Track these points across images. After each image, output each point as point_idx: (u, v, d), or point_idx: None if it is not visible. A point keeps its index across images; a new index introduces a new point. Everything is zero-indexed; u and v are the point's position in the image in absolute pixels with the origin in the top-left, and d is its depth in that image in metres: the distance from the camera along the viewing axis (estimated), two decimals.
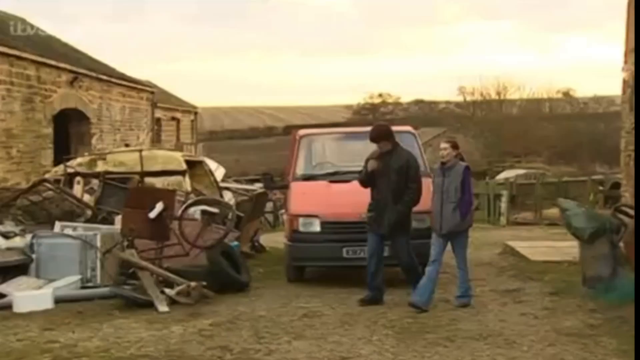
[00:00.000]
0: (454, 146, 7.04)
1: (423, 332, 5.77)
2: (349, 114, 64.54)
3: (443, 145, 7.05)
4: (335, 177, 8.94)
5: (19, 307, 7.12)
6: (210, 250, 8.12)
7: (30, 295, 7.29)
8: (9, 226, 9.62)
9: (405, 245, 7.21)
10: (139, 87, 22.16)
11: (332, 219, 8.35)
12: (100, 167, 10.95)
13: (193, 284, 7.41)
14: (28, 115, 14.47)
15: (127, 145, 15.79)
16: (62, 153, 16.65)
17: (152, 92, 23.43)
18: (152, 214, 8.23)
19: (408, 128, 10.01)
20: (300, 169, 9.19)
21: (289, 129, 72.59)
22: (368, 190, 8.71)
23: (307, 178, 9.03)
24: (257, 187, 14.01)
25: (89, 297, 7.62)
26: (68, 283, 7.75)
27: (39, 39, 18.14)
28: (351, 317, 6.55)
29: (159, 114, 24.49)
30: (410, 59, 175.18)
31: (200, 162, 11.74)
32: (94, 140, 18.39)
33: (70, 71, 16.49)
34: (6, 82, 13.49)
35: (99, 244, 8.09)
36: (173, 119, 26.20)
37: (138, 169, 10.67)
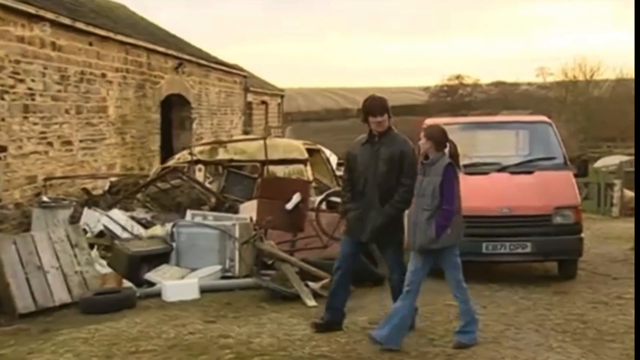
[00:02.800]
0: (433, 137, 5.36)
1: (602, 339, 5.49)
2: (426, 96, 63.53)
3: (421, 135, 5.49)
4: (470, 169, 8.68)
5: (168, 296, 7.24)
6: None
7: (179, 285, 7.40)
8: (140, 213, 9.86)
9: (399, 257, 5.77)
10: (233, 71, 22.36)
11: (470, 213, 8.06)
12: (221, 155, 11.05)
13: None
14: (140, 101, 14.78)
15: (246, 133, 15.88)
16: (165, 138, 17.02)
17: (245, 77, 23.61)
18: (290, 205, 8.22)
19: (543, 118, 9.61)
20: None
21: None
22: (507, 183, 8.43)
23: None
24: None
25: (231, 288, 7.68)
26: (211, 273, 7.83)
27: (141, 26, 18.50)
28: (509, 318, 6.33)
29: (249, 97, 24.67)
30: (491, 39, 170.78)
31: (318, 151, 11.67)
32: (194, 125, 18.69)
33: (176, 57, 16.75)
34: (122, 69, 13.80)
35: (237, 234, 8.12)
36: (263, 102, 26.37)
37: (259, 157, 10.70)
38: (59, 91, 11.40)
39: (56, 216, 10.08)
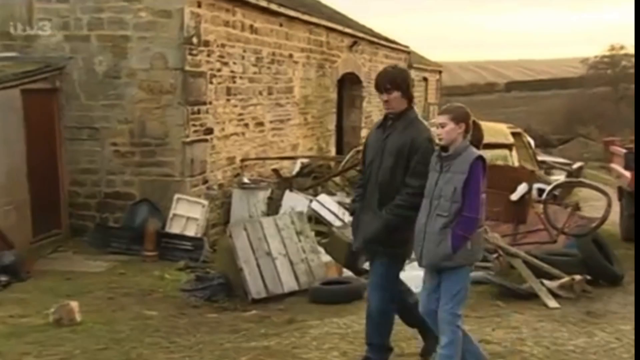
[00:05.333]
0: (464, 120, 4.00)
1: None
2: (583, 69, 59.40)
3: (440, 118, 4.07)
4: None
5: None
6: (582, 239, 7.41)
7: (404, 277, 7.13)
8: (342, 198, 9.77)
9: (385, 276, 4.38)
10: (399, 47, 21.93)
11: None
12: None
13: (577, 277, 6.76)
14: (320, 81, 14.78)
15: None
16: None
17: (409, 53, 23.10)
18: (515, 196, 7.73)
19: None
20: None
21: (512, 86, 69.31)
22: None
23: None
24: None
25: None
26: None
27: (312, 5, 18.47)
28: None
29: (412, 74, 24.10)
30: None
31: (519, 134, 10.98)
32: (364, 104, 18.52)
33: (351, 35, 16.59)
34: (306, 49, 13.82)
35: None
36: (424, 79, 25.77)
37: None
38: (255, 73, 11.57)
39: (256, 197, 10.29)
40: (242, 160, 11.27)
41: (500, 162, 9.28)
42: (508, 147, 9.90)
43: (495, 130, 10.25)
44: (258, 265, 6.99)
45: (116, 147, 9.62)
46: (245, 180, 10.65)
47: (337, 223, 8.50)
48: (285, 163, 12.63)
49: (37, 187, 9.17)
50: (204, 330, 5.80)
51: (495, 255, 7.49)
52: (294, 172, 11.71)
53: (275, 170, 11.73)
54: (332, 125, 15.84)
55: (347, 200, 9.58)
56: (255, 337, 5.48)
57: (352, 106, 18.29)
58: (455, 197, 3.90)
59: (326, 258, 7.59)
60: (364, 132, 18.49)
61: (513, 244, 7.89)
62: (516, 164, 9.78)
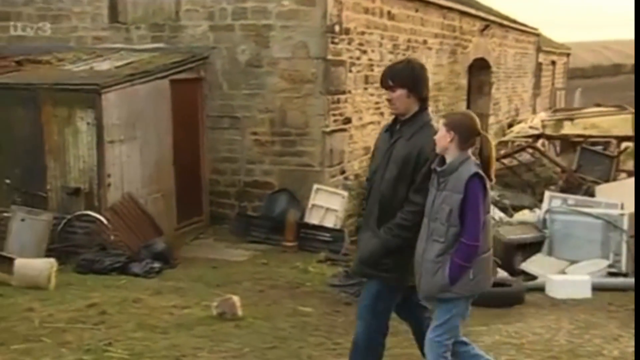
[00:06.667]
0: (458, 128, 3.46)
1: None
2: None
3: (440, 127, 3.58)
4: None
5: (555, 292, 6.59)
6: None
7: (570, 281, 6.70)
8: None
9: (375, 301, 3.74)
10: (528, 30, 20.88)
11: None
12: (567, 129, 10.04)
13: None
14: (452, 67, 14.27)
15: (597, 105, 14.54)
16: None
17: (538, 36, 21.96)
18: None
19: None
20: None
21: None
22: None
23: None
24: None
25: (623, 288, 6.77)
26: (598, 268, 6.99)
27: None
28: None
29: (540, 58, 22.95)
30: None
31: None
32: (492, 90, 17.78)
33: (483, 19, 15.91)
34: (440, 35, 13.35)
35: (625, 225, 7.14)
36: (552, 62, 24.46)
37: (615, 132, 9.48)
38: (391, 60, 11.24)
39: None
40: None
41: None
42: None
43: None
44: None
45: (256, 136, 9.65)
46: None
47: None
48: None
49: (181, 175, 9.36)
50: None
51: None
52: None
53: None
54: None
55: (496, 197, 9.14)
56: None
57: (480, 92, 17.58)
58: (452, 220, 3.40)
59: None
60: (491, 120, 17.79)
61: None
62: None
